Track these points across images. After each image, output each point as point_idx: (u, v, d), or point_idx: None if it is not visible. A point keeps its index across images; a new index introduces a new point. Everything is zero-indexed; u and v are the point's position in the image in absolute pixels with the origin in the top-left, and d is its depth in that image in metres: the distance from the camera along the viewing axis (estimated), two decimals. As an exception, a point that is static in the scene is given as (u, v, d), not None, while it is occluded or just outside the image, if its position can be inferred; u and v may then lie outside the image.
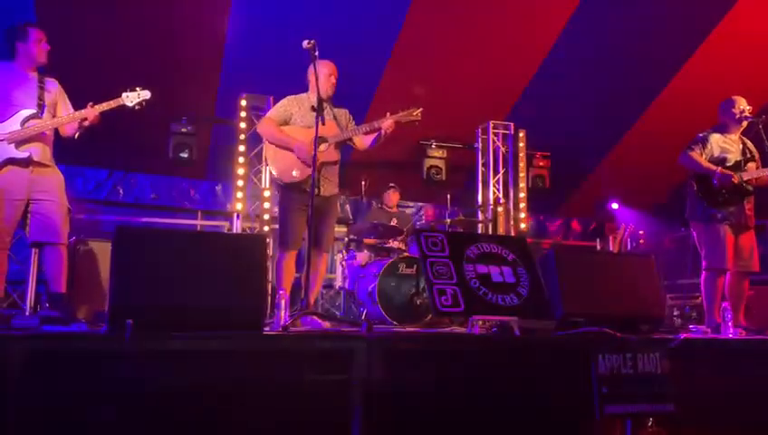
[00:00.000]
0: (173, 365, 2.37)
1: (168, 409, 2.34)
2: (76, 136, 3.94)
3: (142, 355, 2.33)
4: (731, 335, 3.78)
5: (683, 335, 3.22)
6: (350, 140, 4.37)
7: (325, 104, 4.17)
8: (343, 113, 4.42)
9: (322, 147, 4.07)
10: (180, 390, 2.36)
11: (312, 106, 4.02)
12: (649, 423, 3.24)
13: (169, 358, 2.38)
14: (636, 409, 2.78)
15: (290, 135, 4.19)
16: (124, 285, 2.57)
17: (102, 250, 4.87)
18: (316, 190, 3.95)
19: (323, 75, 4.17)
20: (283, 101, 4.33)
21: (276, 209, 5.04)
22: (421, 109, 4.26)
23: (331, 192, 4.32)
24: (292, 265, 4.23)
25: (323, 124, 3.93)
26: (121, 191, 8.01)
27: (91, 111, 3.83)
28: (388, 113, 4.23)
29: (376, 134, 4.29)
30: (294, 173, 4.13)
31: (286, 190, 4.26)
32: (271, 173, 5.33)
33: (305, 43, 3.77)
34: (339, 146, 4.32)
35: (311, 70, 4.16)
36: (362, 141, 4.39)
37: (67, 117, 3.88)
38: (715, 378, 3.22)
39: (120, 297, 2.54)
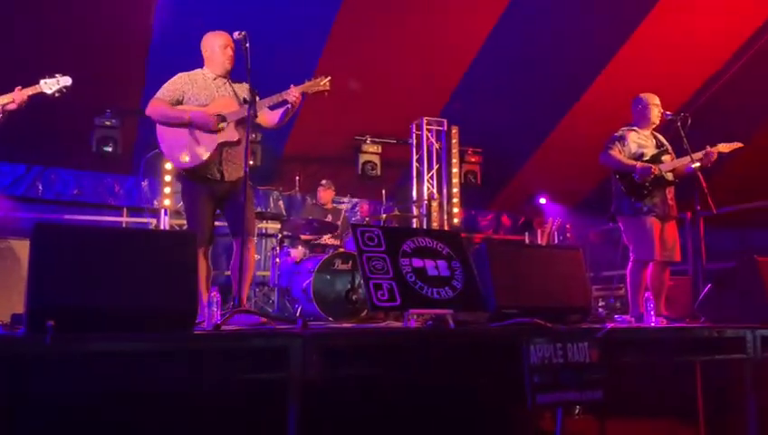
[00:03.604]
0: (98, 368, 2.26)
1: (94, 413, 2.23)
2: None
3: (65, 358, 2.21)
4: (653, 324, 3.94)
5: (609, 325, 3.32)
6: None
7: (223, 79, 3.94)
8: (245, 88, 3.91)
9: (221, 125, 3.77)
10: (107, 393, 2.26)
11: (226, 87, 3.84)
12: (576, 411, 3.34)
13: (94, 360, 2.26)
14: (567, 397, 2.85)
15: (183, 108, 3.82)
16: (44, 285, 2.43)
17: (20, 249, 4.63)
18: (219, 176, 3.79)
19: (219, 47, 3.88)
20: (174, 79, 3.90)
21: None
22: (329, 78, 3.94)
23: (237, 175, 3.89)
24: (204, 262, 3.82)
25: (219, 99, 3.68)
26: (41, 187, 7.62)
27: (19, 94, 3.59)
28: (292, 85, 3.86)
29: (282, 109, 3.93)
30: (186, 159, 3.76)
31: (186, 179, 3.93)
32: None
33: (236, 34, 3.67)
34: (242, 124, 3.88)
35: (205, 43, 3.93)
36: (267, 118, 4.00)
37: None
38: (640, 365, 3.36)
39: (40, 298, 2.39)
